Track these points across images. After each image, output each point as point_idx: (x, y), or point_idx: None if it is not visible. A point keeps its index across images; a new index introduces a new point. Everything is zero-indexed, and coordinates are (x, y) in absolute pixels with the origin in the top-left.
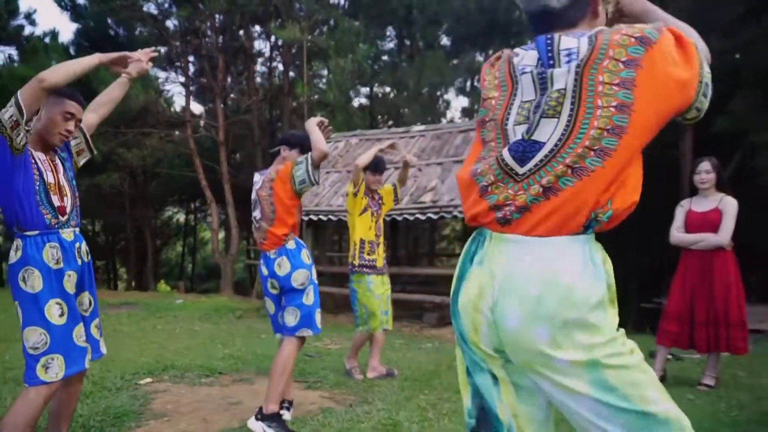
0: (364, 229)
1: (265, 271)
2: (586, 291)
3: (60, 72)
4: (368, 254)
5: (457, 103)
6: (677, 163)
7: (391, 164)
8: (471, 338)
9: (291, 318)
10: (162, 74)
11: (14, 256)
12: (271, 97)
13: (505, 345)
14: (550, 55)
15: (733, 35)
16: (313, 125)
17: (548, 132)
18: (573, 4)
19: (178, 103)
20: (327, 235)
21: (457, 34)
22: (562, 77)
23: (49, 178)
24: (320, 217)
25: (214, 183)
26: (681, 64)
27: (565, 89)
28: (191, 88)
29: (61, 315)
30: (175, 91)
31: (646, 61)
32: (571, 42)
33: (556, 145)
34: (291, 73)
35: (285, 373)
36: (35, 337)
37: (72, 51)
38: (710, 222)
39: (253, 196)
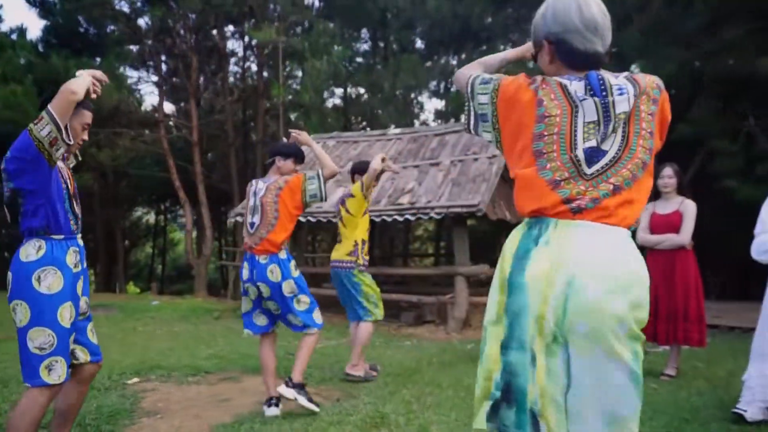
0: (364, 229)
1: (247, 274)
2: (645, 277)
3: (82, 84)
4: (366, 254)
5: (431, 105)
6: None
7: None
8: (539, 309)
9: (296, 321)
10: (134, 73)
11: (34, 255)
12: (246, 97)
13: (577, 315)
14: (602, 88)
15: (694, 46)
16: (317, 146)
17: (610, 143)
18: (605, 53)
19: (149, 102)
20: (302, 236)
21: (431, 38)
22: (624, 104)
23: (70, 186)
24: (299, 218)
25: (186, 183)
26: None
27: (627, 113)
28: (164, 87)
29: (69, 318)
30: (147, 90)
31: (661, 100)
32: (618, 81)
33: (616, 153)
34: (265, 74)
35: (311, 350)
36: (43, 338)
37: (41, 48)
38: (672, 224)
39: (253, 202)
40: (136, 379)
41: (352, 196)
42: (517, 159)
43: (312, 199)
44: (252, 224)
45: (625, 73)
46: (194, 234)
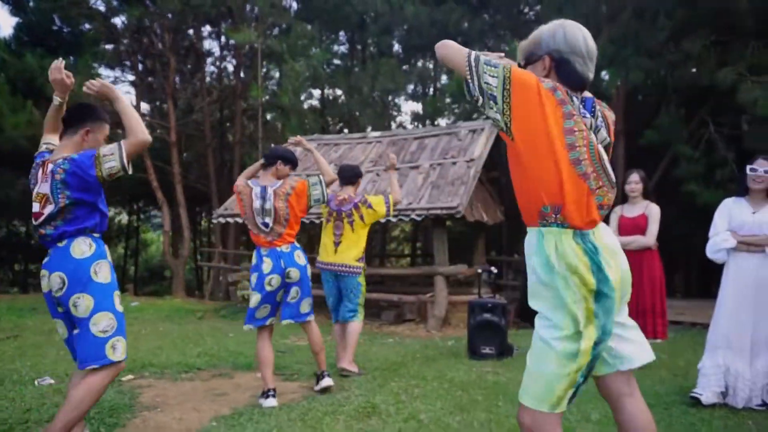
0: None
1: (271, 265)
2: None
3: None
4: None
5: (407, 107)
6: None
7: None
8: (618, 305)
9: (306, 306)
10: (110, 73)
11: (88, 252)
12: (224, 98)
13: (622, 285)
14: (593, 111)
15: (660, 56)
16: (318, 154)
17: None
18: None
19: None
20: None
21: (408, 42)
22: (604, 131)
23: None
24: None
25: (163, 184)
26: None
27: (609, 142)
28: (140, 87)
29: (120, 303)
30: (123, 90)
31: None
32: (602, 109)
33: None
34: (242, 74)
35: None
36: (105, 321)
37: (13, 46)
38: (639, 226)
39: (261, 204)
40: (130, 376)
41: (371, 207)
42: (535, 148)
43: (315, 203)
44: (266, 224)
45: (601, 105)
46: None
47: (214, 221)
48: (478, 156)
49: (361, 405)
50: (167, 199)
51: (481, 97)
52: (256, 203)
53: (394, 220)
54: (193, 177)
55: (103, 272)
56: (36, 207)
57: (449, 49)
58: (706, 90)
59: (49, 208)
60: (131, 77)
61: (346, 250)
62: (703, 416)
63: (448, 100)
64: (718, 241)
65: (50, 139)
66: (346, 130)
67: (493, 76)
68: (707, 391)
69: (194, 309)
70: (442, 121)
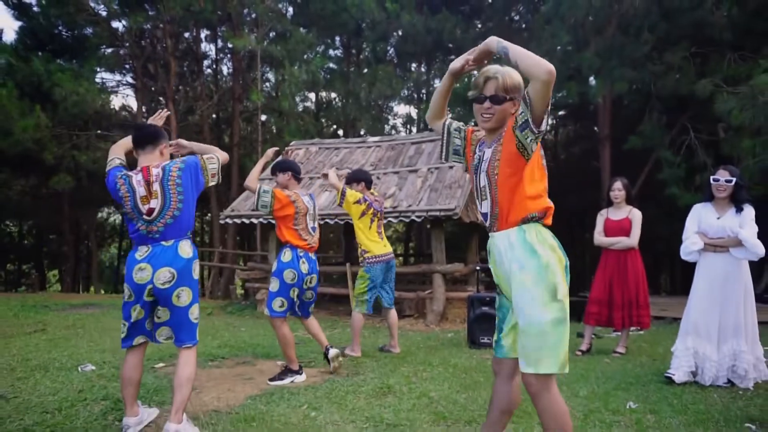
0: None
1: (306, 266)
2: None
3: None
4: None
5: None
6: (598, 174)
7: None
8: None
9: (311, 306)
10: (111, 77)
11: (190, 253)
12: (224, 100)
13: None
14: None
15: (642, 68)
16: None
17: None
18: None
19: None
20: None
21: (403, 49)
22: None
23: None
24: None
25: None
26: None
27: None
28: (142, 91)
29: None
30: (124, 93)
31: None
32: None
33: None
34: (240, 80)
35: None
36: (197, 310)
37: (20, 52)
38: (623, 228)
39: (313, 210)
40: (162, 364)
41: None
42: (539, 168)
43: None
44: (314, 228)
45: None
46: None
47: (221, 222)
48: None
49: (377, 386)
50: None
51: (446, 154)
52: (311, 209)
53: (395, 221)
54: None
55: (197, 271)
56: (153, 204)
57: (431, 119)
58: (686, 99)
59: (166, 207)
60: (131, 81)
61: (384, 242)
62: (675, 391)
63: None
64: (689, 245)
65: (120, 155)
66: (340, 132)
67: (458, 138)
68: (679, 371)
69: (202, 306)
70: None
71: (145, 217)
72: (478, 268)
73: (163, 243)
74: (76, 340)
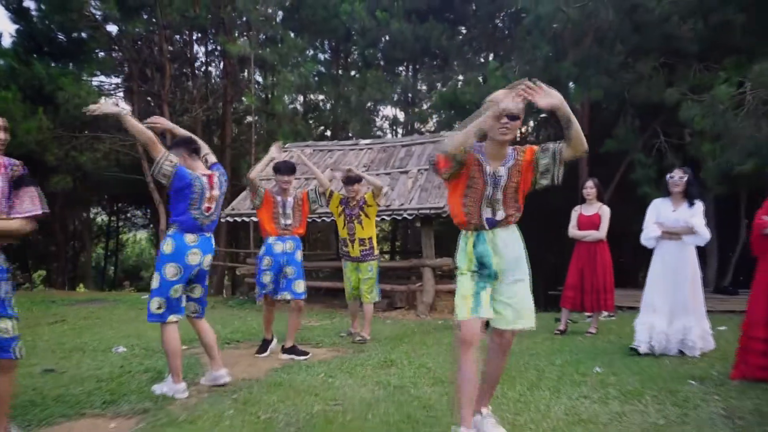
0: (339, 229)
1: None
2: None
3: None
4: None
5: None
6: (576, 174)
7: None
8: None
9: (301, 286)
10: (107, 80)
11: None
12: (216, 103)
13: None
14: None
15: (617, 76)
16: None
17: None
18: None
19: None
20: None
21: (392, 55)
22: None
23: None
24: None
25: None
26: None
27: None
28: (137, 93)
29: None
30: (119, 96)
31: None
32: None
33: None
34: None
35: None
36: None
37: (22, 56)
38: (593, 223)
39: (288, 210)
40: (185, 347)
41: (369, 204)
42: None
43: (314, 205)
44: (287, 224)
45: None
46: (143, 233)
47: (222, 220)
48: None
49: (381, 360)
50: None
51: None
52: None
53: (388, 218)
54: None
55: None
56: (211, 204)
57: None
58: (657, 105)
59: (216, 208)
60: (127, 83)
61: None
62: (635, 360)
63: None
64: (648, 232)
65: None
66: (328, 133)
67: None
68: (642, 344)
69: None
70: (426, 127)
71: (204, 212)
72: None
73: (207, 234)
74: (98, 328)
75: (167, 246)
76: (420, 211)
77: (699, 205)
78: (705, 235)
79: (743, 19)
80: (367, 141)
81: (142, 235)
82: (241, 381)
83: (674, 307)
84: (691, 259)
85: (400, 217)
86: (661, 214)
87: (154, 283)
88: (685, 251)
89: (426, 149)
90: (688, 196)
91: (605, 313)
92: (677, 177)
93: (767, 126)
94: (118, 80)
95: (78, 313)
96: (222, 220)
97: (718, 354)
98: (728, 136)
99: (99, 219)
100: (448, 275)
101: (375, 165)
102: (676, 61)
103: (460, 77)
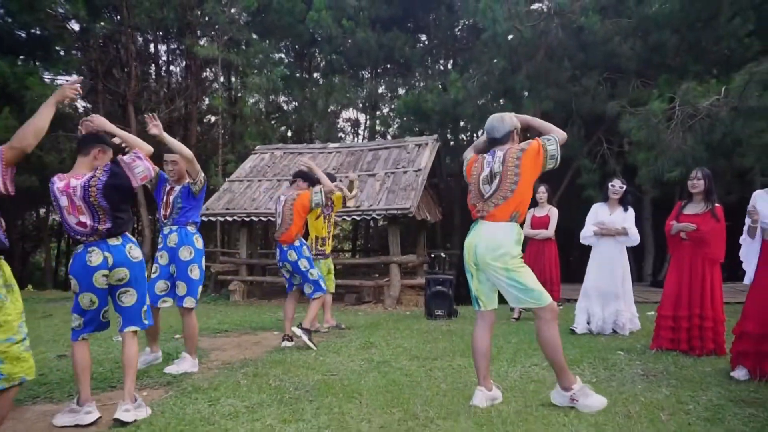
0: (318, 227)
1: (279, 257)
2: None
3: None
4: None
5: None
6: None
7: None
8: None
9: (309, 289)
10: (69, 78)
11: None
12: (183, 104)
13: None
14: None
15: (566, 88)
16: (320, 171)
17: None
18: (504, 136)
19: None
20: (257, 233)
21: (357, 62)
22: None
23: None
24: (261, 218)
25: None
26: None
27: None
28: (102, 92)
29: None
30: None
31: (523, 156)
32: (499, 152)
33: (495, 189)
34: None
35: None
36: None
37: None
38: (544, 223)
39: (278, 209)
40: (178, 336)
41: (335, 205)
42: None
43: (316, 206)
44: (277, 223)
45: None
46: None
47: (204, 220)
48: (425, 166)
49: (363, 342)
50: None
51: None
52: (278, 208)
53: (358, 218)
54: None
55: None
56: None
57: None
58: (600, 116)
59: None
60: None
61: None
62: (575, 338)
63: (387, 109)
64: (585, 232)
65: None
66: (289, 134)
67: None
68: (579, 326)
69: None
70: (390, 131)
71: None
72: (433, 255)
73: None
74: None
75: (199, 242)
76: (388, 212)
77: (631, 212)
78: (635, 236)
79: (676, 41)
80: (336, 145)
81: None
82: (240, 361)
83: (607, 295)
84: (623, 255)
85: (369, 217)
86: (599, 217)
87: (199, 276)
88: (617, 249)
89: (392, 153)
90: (623, 203)
91: None
92: (617, 186)
93: (692, 138)
94: (82, 78)
95: (60, 310)
96: (204, 220)
97: (644, 333)
98: (660, 147)
99: (51, 218)
100: (411, 271)
101: (344, 168)
102: (618, 77)
103: (422, 84)
